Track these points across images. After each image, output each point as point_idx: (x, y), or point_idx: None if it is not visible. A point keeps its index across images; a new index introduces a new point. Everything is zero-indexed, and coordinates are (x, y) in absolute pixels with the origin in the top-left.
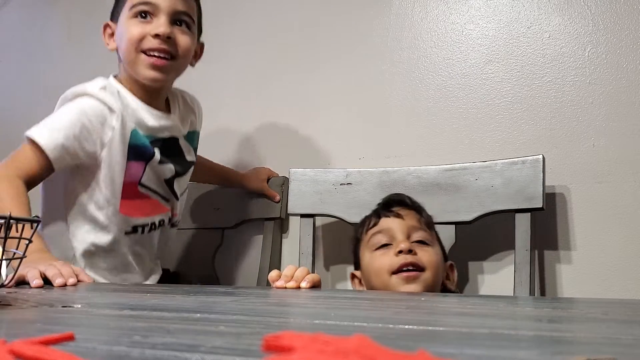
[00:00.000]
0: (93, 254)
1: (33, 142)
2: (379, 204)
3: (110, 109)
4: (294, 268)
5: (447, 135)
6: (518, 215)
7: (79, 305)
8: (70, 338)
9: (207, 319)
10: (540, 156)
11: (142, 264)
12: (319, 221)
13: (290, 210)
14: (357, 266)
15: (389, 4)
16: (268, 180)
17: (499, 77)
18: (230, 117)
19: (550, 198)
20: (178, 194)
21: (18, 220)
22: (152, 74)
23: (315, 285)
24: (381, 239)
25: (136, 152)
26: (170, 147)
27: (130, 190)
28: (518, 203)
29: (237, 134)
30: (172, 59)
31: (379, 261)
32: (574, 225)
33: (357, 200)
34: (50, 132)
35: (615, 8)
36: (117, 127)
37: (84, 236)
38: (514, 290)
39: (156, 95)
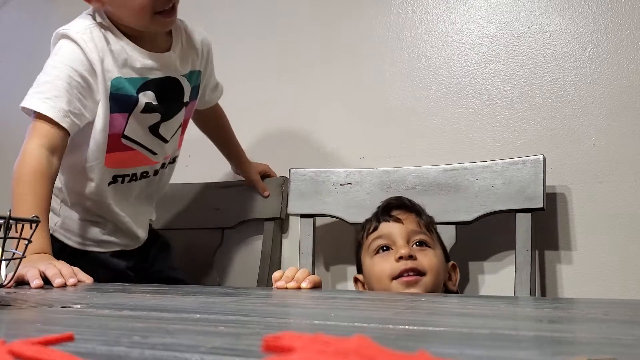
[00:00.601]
0: (75, 204)
1: (42, 116)
2: (378, 207)
3: (90, 60)
4: (295, 269)
5: (447, 135)
6: (519, 216)
7: (79, 306)
8: (70, 338)
9: (207, 319)
10: (541, 156)
11: (127, 210)
12: (319, 221)
13: (290, 210)
14: (360, 270)
15: (390, 4)
16: (264, 177)
17: (500, 77)
18: (230, 117)
19: (550, 198)
20: (166, 137)
21: (18, 220)
22: (165, 28)
23: (316, 287)
24: (381, 243)
25: (118, 102)
26: (168, 88)
27: (115, 143)
28: (519, 203)
29: (237, 134)
30: (174, 8)
31: (379, 266)
32: (575, 225)
33: (357, 200)
34: (54, 103)
35: (616, 8)
36: (100, 77)
37: (74, 187)
38: (514, 291)
39: (152, 34)
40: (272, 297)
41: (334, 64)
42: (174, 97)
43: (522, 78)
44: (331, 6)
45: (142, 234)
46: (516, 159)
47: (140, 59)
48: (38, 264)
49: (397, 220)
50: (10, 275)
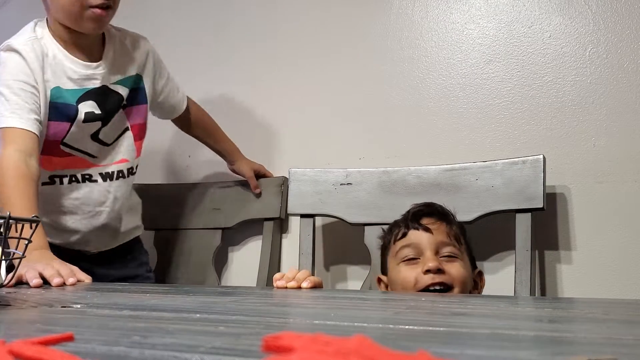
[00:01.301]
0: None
1: (11, 129)
2: (408, 212)
3: (33, 70)
4: (296, 270)
5: (447, 135)
6: (518, 216)
7: (78, 306)
8: (70, 338)
9: (207, 319)
10: (541, 156)
11: (80, 219)
12: (319, 221)
13: (290, 210)
14: (384, 271)
15: (390, 4)
16: (260, 177)
17: (500, 77)
18: (230, 117)
19: (550, 198)
20: (107, 141)
21: (17, 220)
22: (95, 26)
23: (317, 287)
24: (409, 252)
25: (58, 111)
26: (108, 96)
27: (52, 148)
28: (518, 203)
29: (237, 134)
30: (109, 8)
31: (404, 275)
32: (575, 225)
33: (357, 200)
34: (19, 114)
35: (616, 8)
36: (40, 86)
37: None
38: (514, 290)
39: (87, 41)
40: (272, 297)
41: (334, 64)
42: (112, 103)
43: (522, 78)
44: (331, 6)
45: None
46: (516, 159)
47: (77, 70)
48: (37, 264)
49: (427, 229)
50: (10, 275)
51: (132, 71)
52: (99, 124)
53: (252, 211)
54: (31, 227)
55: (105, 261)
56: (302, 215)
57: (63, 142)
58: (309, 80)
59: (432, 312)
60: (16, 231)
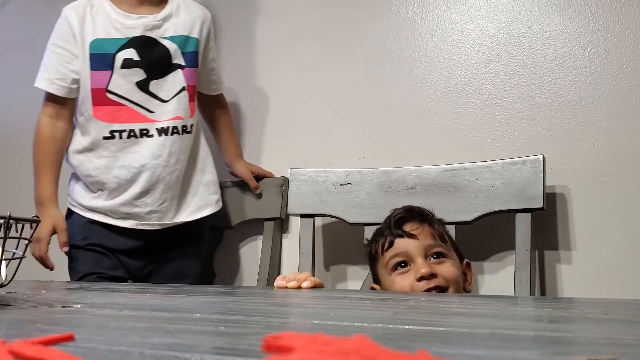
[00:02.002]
0: (80, 152)
1: (45, 93)
2: (390, 219)
3: (72, 26)
4: (297, 273)
5: (447, 135)
6: (518, 216)
7: (79, 306)
8: (70, 338)
9: (207, 319)
10: (541, 156)
11: (139, 172)
12: (319, 221)
13: (290, 210)
14: (376, 280)
15: (390, 4)
16: (261, 178)
17: (499, 77)
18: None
19: (550, 198)
20: (162, 96)
21: (18, 220)
22: None
23: (317, 287)
24: (398, 260)
25: (99, 61)
26: (146, 46)
27: (100, 97)
28: (518, 203)
29: (237, 134)
30: None
31: (399, 284)
32: (574, 225)
33: (357, 200)
34: (42, 75)
35: (616, 8)
36: (79, 40)
37: (73, 139)
38: (514, 290)
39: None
40: (272, 297)
41: (334, 64)
42: (157, 54)
43: (522, 78)
44: (331, 7)
45: (156, 215)
46: (516, 159)
47: (120, 20)
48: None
49: (412, 236)
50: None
51: (186, 32)
52: (141, 72)
53: (252, 211)
54: (31, 227)
55: (162, 244)
56: (302, 215)
57: (108, 89)
58: (309, 80)
59: (432, 312)
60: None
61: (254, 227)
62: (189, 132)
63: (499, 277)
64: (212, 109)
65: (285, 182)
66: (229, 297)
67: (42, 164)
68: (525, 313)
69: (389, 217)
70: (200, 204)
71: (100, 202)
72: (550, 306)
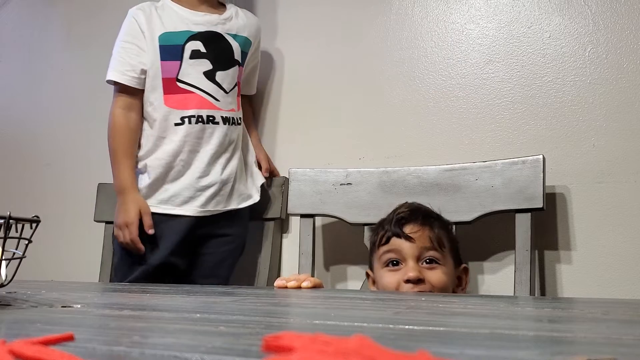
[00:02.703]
0: (149, 142)
1: (111, 82)
2: (392, 215)
3: (140, 24)
4: (296, 275)
5: (447, 135)
6: (518, 215)
7: (79, 305)
8: (70, 338)
9: (207, 319)
10: (541, 156)
11: (198, 162)
12: (319, 221)
13: (290, 210)
14: (371, 267)
15: (390, 4)
16: (271, 176)
17: (499, 77)
18: None
19: (550, 198)
20: (225, 88)
21: (18, 220)
22: None
23: (317, 288)
24: (392, 257)
25: (168, 52)
26: (214, 40)
27: (171, 86)
28: (518, 203)
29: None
30: None
31: (387, 280)
32: (574, 225)
33: (357, 200)
34: (113, 68)
35: (616, 8)
36: (148, 35)
37: (144, 131)
38: (514, 290)
39: (204, 4)
40: (272, 297)
41: (334, 63)
42: (222, 48)
43: (522, 78)
44: (331, 6)
45: (212, 199)
46: (516, 159)
47: (186, 16)
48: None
49: (408, 238)
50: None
51: (246, 33)
52: (208, 63)
53: (252, 211)
54: (31, 227)
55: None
56: (302, 215)
57: (178, 78)
58: (309, 80)
59: (432, 312)
60: (16, 231)
61: (254, 227)
62: (240, 124)
63: (499, 277)
64: (245, 102)
65: (285, 182)
66: (229, 297)
67: (120, 153)
68: (525, 313)
69: (393, 211)
70: (246, 193)
71: (161, 189)
72: (550, 306)
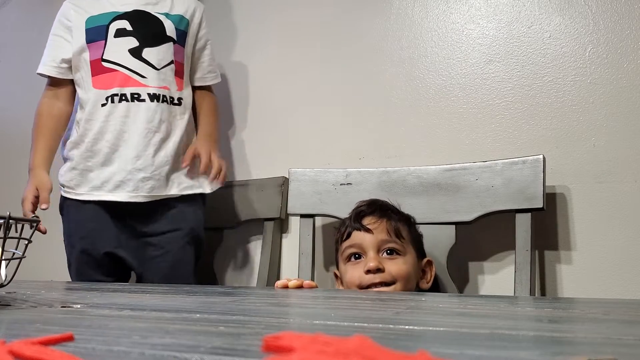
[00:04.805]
0: (81, 128)
1: (45, 77)
2: (352, 212)
3: (65, 15)
4: (296, 278)
5: (447, 135)
6: (518, 215)
7: (78, 306)
8: (70, 338)
9: (207, 319)
10: (541, 156)
11: (127, 142)
12: (319, 221)
13: (290, 210)
14: (338, 267)
15: (390, 4)
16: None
17: (500, 77)
18: (230, 117)
19: (550, 198)
20: (155, 64)
21: (17, 220)
22: None
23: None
24: (353, 251)
25: (94, 34)
26: (139, 18)
27: (97, 67)
28: (518, 203)
29: (238, 134)
30: None
31: (349, 274)
32: (574, 225)
33: (357, 200)
34: (42, 60)
35: (616, 8)
36: (74, 23)
37: (77, 118)
38: (514, 290)
39: None
40: (272, 297)
41: (334, 63)
42: (150, 25)
43: (522, 78)
44: (331, 6)
45: (141, 185)
46: (516, 159)
47: (114, 1)
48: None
49: (368, 230)
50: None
51: (181, 12)
52: (133, 40)
53: (252, 211)
54: (31, 227)
55: (141, 215)
56: (302, 215)
57: (103, 58)
58: (309, 80)
59: (432, 312)
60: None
61: (254, 227)
62: (177, 104)
63: (499, 277)
64: (200, 96)
65: (285, 182)
66: (229, 297)
67: (36, 135)
68: (525, 313)
69: (353, 209)
70: (191, 182)
71: (93, 175)
72: (550, 306)
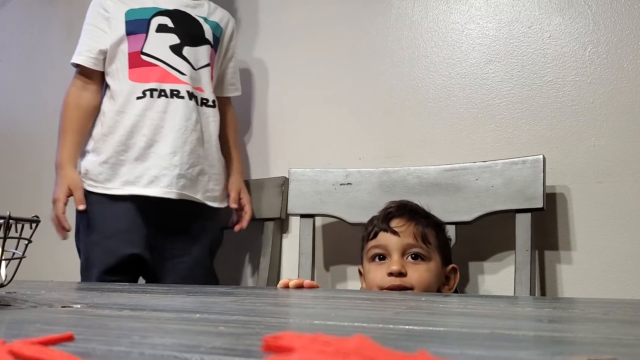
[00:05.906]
0: (110, 117)
1: (74, 65)
2: (381, 211)
3: (103, 6)
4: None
5: (447, 135)
6: (518, 215)
7: (79, 306)
8: (70, 338)
9: (207, 319)
10: (541, 156)
11: (164, 138)
12: (319, 221)
13: (290, 211)
14: (362, 262)
15: (390, 4)
16: (240, 199)
17: (500, 77)
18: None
19: (550, 198)
20: (194, 63)
21: (17, 220)
22: None
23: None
24: (378, 252)
25: (134, 26)
26: (182, 18)
27: (135, 59)
28: (518, 203)
29: (237, 134)
30: None
31: (372, 274)
32: (574, 225)
33: (357, 200)
34: (77, 49)
35: (616, 8)
36: (113, 14)
37: (104, 109)
38: (514, 290)
39: None
40: (272, 297)
41: (334, 64)
42: (191, 26)
43: (522, 78)
44: (331, 6)
45: (176, 180)
46: (516, 159)
47: None
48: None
49: (395, 232)
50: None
51: (216, 19)
52: (174, 37)
53: (252, 211)
54: (31, 227)
55: (169, 214)
56: (302, 215)
57: (142, 51)
58: (309, 81)
59: (432, 312)
60: (16, 231)
61: (254, 227)
62: (212, 106)
63: (499, 277)
64: (223, 115)
65: (285, 182)
66: (229, 297)
67: (64, 129)
68: (525, 313)
69: (384, 208)
70: (214, 195)
71: (124, 169)
72: (550, 306)
